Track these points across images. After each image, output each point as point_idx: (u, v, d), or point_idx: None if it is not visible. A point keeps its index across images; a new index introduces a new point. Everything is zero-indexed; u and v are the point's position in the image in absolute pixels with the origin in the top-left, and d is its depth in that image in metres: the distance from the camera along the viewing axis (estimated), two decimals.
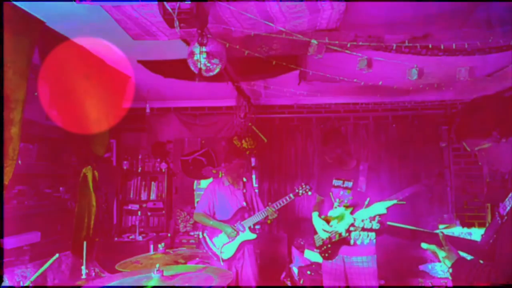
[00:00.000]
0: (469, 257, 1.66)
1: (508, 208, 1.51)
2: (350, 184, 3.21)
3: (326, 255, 3.18)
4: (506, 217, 1.51)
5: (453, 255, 1.63)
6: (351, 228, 1.80)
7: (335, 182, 3.29)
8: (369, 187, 3.12)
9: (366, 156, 5.26)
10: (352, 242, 1.81)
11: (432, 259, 4.05)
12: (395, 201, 2.96)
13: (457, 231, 4.45)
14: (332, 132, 3.61)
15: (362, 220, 1.79)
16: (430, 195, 3.06)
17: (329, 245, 3.14)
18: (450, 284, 1.73)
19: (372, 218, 1.79)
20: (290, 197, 3.82)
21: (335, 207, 3.13)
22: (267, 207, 3.82)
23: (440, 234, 1.68)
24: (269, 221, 3.89)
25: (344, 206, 3.03)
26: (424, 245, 1.71)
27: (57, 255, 2.60)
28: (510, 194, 1.53)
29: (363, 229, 1.78)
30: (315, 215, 3.27)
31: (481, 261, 1.58)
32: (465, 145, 1.62)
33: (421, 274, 4.16)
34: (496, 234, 1.56)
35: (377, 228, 1.77)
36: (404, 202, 3.03)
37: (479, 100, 1.64)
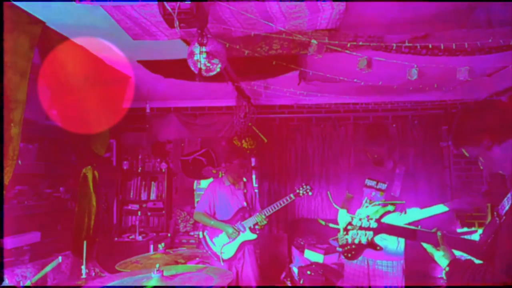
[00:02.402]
0: (467, 258, 1.67)
1: (507, 207, 1.52)
2: (384, 186, 3.10)
3: (349, 255, 3.01)
4: (504, 217, 1.52)
5: (449, 255, 1.63)
6: (349, 227, 1.80)
7: (368, 182, 3.17)
8: (404, 193, 3.01)
9: None
10: (350, 240, 1.81)
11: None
12: (443, 209, 2.87)
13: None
14: (380, 127, 3.46)
15: (360, 219, 1.79)
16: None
17: (353, 246, 2.97)
18: None
19: (369, 217, 1.78)
20: (290, 197, 3.81)
21: (365, 207, 3.05)
22: (257, 214, 3.79)
23: (439, 234, 1.69)
24: (259, 227, 3.84)
25: (381, 206, 2.93)
26: (423, 243, 1.72)
27: (59, 258, 2.61)
28: (508, 194, 1.54)
29: (361, 228, 1.78)
30: (343, 212, 3.18)
31: (479, 261, 1.59)
32: (464, 152, 1.65)
33: (425, 275, 4.16)
34: (494, 233, 1.56)
35: (374, 227, 1.77)
36: (448, 209, 2.95)
37: (469, 109, 1.68)
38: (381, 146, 3.09)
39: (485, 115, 1.59)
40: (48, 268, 2.56)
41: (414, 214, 2.87)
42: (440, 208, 2.86)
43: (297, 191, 3.85)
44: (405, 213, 2.96)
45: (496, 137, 1.54)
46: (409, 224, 2.43)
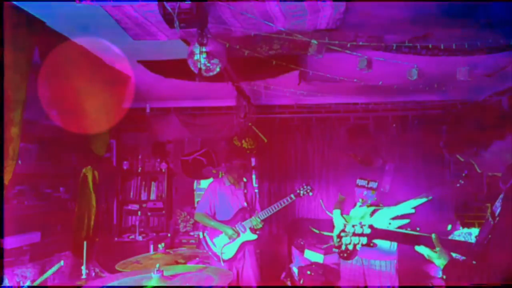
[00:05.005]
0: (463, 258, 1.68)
1: (499, 209, 1.53)
2: (375, 184, 3.14)
3: (345, 255, 3.10)
4: (498, 218, 1.52)
5: (445, 257, 1.64)
6: (342, 234, 1.80)
7: (359, 182, 3.20)
8: (395, 188, 3.05)
9: None
10: (343, 247, 1.81)
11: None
12: (424, 199, 2.87)
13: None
14: (360, 128, 3.51)
15: (353, 226, 1.79)
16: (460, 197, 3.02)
17: (348, 248, 3.05)
18: None
19: (362, 223, 1.79)
20: (291, 198, 3.81)
21: (358, 207, 3.07)
22: (253, 217, 3.78)
23: (433, 236, 1.69)
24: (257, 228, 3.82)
25: (367, 206, 2.97)
26: (417, 248, 1.72)
27: (61, 262, 2.62)
28: (501, 195, 1.54)
29: (354, 234, 1.78)
30: (337, 212, 3.21)
31: (474, 262, 1.59)
32: (459, 157, 1.67)
33: (422, 274, 4.17)
34: (490, 234, 1.57)
35: (368, 232, 1.77)
36: (431, 198, 2.94)
37: (455, 118, 1.73)
38: (362, 148, 3.15)
39: (467, 123, 1.64)
40: (50, 272, 2.56)
41: (399, 208, 2.87)
42: (423, 199, 2.86)
43: (298, 191, 3.85)
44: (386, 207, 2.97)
45: (481, 145, 1.58)
46: (399, 217, 2.42)
